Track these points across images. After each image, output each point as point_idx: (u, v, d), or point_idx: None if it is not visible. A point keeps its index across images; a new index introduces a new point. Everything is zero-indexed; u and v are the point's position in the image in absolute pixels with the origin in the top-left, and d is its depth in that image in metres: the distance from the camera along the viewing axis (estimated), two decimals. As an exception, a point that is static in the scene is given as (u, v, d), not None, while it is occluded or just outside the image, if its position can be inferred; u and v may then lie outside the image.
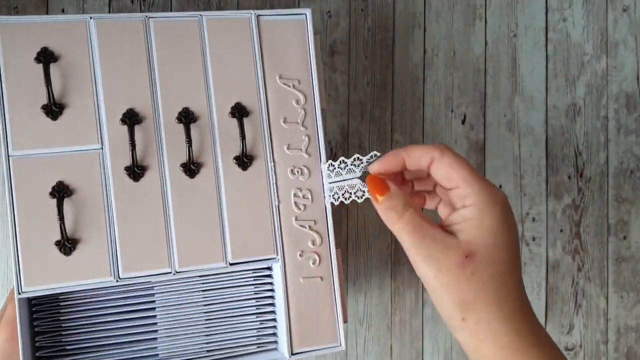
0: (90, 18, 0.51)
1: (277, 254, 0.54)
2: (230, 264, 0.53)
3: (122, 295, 0.53)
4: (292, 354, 0.54)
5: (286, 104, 0.56)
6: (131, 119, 0.51)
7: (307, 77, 0.57)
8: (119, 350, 0.53)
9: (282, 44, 0.56)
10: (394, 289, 0.79)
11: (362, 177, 0.53)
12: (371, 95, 0.78)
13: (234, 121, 0.54)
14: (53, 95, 0.50)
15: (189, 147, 0.52)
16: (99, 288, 0.52)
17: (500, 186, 0.82)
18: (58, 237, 0.49)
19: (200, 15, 0.54)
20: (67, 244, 0.49)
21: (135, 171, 0.51)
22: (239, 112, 0.54)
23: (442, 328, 0.80)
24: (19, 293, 0.48)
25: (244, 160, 0.53)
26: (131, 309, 0.53)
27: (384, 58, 0.79)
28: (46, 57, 0.50)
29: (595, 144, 0.83)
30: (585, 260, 0.82)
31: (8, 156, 0.49)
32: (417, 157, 0.47)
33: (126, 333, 0.53)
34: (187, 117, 0.53)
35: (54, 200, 0.49)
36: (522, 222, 0.82)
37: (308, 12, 0.57)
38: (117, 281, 0.50)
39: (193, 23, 0.54)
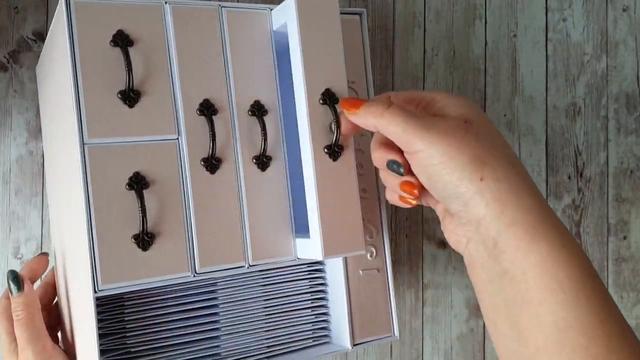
0: (165, 3, 0.49)
1: None
2: (298, 258, 0.52)
3: (185, 292, 0.51)
4: (354, 345, 0.55)
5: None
6: (209, 109, 0.49)
7: (361, 78, 0.58)
8: (183, 350, 0.51)
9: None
10: (394, 289, 0.79)
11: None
12: (371, 95, 0.78)
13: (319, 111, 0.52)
14: (133, 81, 0.46)
15: (264, 140, 0.50)
16: (167, 286, 0.50)
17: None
18: (136, 231, 0.46)
19: (270, 8, 0.53)
20: (146, 238, 0.46)
21: (213, 163, 0.49)
22: (329, 98, 0.51)
23: (442, 328, 0.80)
24: (96, 292, 0.44)
25: (335, 150, 0.51)
26: (194, 306, 0.51)
27: (384, 58, 0.79)
28: (123, 40, 0.46)
29: (595, 144, 0.83)
30: (585, 260, 0.82)
31: (83, 144, 0.45)
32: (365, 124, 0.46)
33: (189, 332, 0.51)
34: (259, 110, 0.51)
35: (131, 192, 0.46)
36: (522, 222, 0.82)
37: (363, 14, 0.58)
38: (194, 276, 0.48)
39: (263, 16, 0.53)
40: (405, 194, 0.46)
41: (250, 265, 0.50)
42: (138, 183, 0.46)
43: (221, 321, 0.53)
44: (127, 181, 0.46)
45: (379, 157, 0.46)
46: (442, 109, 0.44)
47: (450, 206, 0.42)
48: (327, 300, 0.58)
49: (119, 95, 0.46)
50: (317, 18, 0.50)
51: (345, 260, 0.55)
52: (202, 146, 0.49)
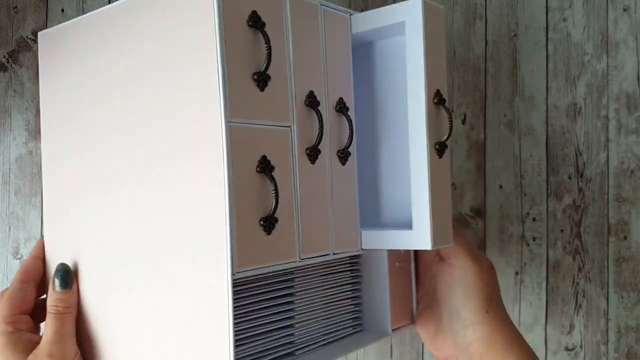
0: None
1: None
2: (362, 249, 0.57)
3: (263, 282, 0.50)
4: (393, 330, 0.61)
5: None
6: (314, 101, 0.51)
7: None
8: (261, 341, 0.50)
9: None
10: (394, 289, 0.79)
11: None
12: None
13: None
14: (269, 64, 0.46)
15: (350, 136, 0.54)
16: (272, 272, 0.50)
17: (501, 186, 0.82)
18: (263, 214, 0.46)
19: (349, 13, 0.57)
20: (272, 223, 0.46)
21: (314, 153, 0.51)
22: (440, 99, 0.56)
23: (442, 328, 0.80)
24: (233, 274, 0.43)
25: (442, 148, 0.55)
26: (271, 296, 0.51)
27: (384, 58, 0.79)
28: (258, 22, 0.46)
29: (595, 144, 0.83)
30: (586, 260, 0.82)
31: (227, 122, 0.44)
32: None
33: (266, 322, 0.51)
34: (344, 107, 0.54)
35: (260, 175, 0.46)
36: (523, 222, 0.82)
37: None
38: (299, 261, 0.49)
39: (345, 19, 0.57)
40: None
41: (333, 254, 0.53)
42: (267, 166, 0.46)
43: (296, 309, 0.53)
44: (257, 164, 0.46)
45: None
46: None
47: (451, 321, 0.58)
48: (361, 291, 0.61)
49: (255, 77, 0.46)
50: (432, 23, 0.54)
51: (387, 253, 0.60)
52: (306, 136, 0.51)
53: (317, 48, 0.53)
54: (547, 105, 0.83)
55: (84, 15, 0.55)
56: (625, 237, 0.82)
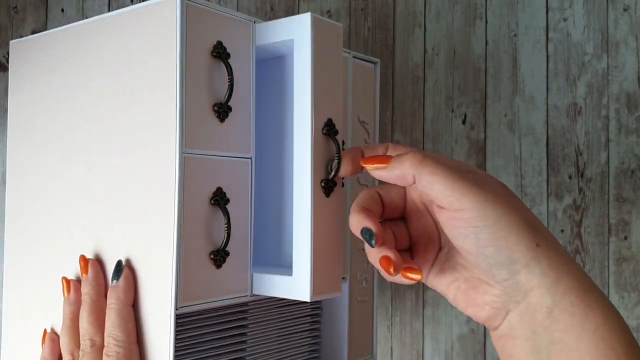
0: (254, 22, 0.49)
1: (347, 274, 0.56)
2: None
3: (217, 313, 0.49)
4: None
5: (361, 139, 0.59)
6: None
7: (372, 120, 0.61)
8: None
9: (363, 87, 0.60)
10: (394, 289, 0.79)
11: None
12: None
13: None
14: (231, 95, 0.45)
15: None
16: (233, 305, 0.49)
17: (501, 186, 0.82)
18: (213, 247, 0.45)
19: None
20: (222, 256, 0.45)
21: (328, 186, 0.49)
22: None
23: (442, 329, 0.80)
24: (177, 309, 0.42)
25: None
26: (226, 327, 0.50)
27: (384, 58, 0.79)
28: (223, 53, 0.46)
29: (596, 143, 0.82)
30: (586, 260, 0.82)
31: (182, 154, 0.43)
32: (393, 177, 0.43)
33: (220, 352, 0.49)
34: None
35: (213, 207, 0.45)
36: (523, 222, 0.82)
37: (378, 64, 0.61)
38: (251, 296, 0.48)
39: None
40: (381, 269, 0.42)
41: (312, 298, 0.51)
42: (222, 198, 0.45)
43: (248, 342, 0.52)
44: (210, 195, 0.45)
45: (356, 222, 0.43)
46: (475, 171, 0.42)
47: (497, 274, 0.39)
48: (320, 323, 0.58)
49: (215, 108, 0.45)
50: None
51: (350, 286, 0.57)
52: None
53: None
54: (547, 105, 0.82)
55: (54, 30, 0.54)
56: (625, 237, 0.82)
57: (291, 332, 0.56)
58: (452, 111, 0.81)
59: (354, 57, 0.58)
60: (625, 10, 0.83)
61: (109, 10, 0.71)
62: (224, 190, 0.46)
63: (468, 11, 0.82)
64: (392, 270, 0.41)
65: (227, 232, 0.45)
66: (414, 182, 0.41)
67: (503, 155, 0.82)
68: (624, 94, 0.82)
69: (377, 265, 0.43)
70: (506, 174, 0.82)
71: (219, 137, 0.46)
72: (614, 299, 0.81)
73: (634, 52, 0.82)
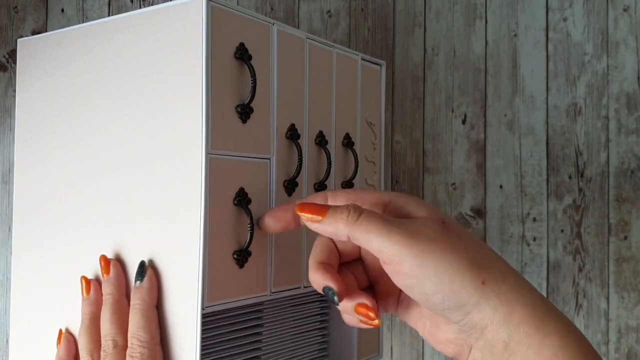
0: (273, 24, 0.49)
1: None
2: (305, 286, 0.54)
3: (231, 314, 0.49)
4: None
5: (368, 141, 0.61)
6: (294, 133, 0.50)
7: (377, 121, 0.63)
8: None
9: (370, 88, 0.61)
10: (394, 289, 0.79)
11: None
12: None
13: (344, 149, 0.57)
14: (253, 96, 0.46)
15: (328, 168, 0.51)
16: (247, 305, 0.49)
17: (501, 186, 0.82)
18: (237, 247, 0.45)
19: (334, 47, 0.56)
20: (246, 256, 0.45)
21: (292, 186, 0.50)
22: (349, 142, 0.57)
23: (442, 328, 0.80)
24: (203, 308, 0.42)
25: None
26: (239, 327, 0.49)
27: (384, 58, 0.79)
28: (245, 54, 0.46)
29: (596, 144, 0.83)
30: (586, 260, 0.82)
31: (207, 154, 0.43)
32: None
33: (234, 353, 0.49)
34: (322, 140, 0.53)
35: (236, 208, 0.45)
36: (523, 222, 0.82)
37: (383, 66, 0.63)
38: (270, 295, 0.48)
39: (327, 52, 0.55)
40: (362, 318, 0.42)
41: (304, 287, 0.52)
42: (244, 198, 0.46)
43: (264, 340, 0.52)
44: (234, 196, 0.45)
45: (316, 281, 0.42)
46: (412, 211, 0.42)
47: (451, 317, 0.39)
48: (329, 322, 0.59)
49: (238, 109, 0.46)
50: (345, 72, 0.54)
51: None
52: (285, 168, 0.50)
53: (301, 81, 0.52)
54: (547, 105, 0.82)
55: (68, 28, 0.54)
56: (625, 237, 0.82)
57: (302, 330, 0.56)
58: (452, 111, 0.81)
59: (362, 59, 0.59)
60: (625, 10, 0.83)
61: (109, 11, 0.71)
62: (246, 190, 0.46)
63: (468, 11, 0.82)
64: (372, 314, 0.41)
65: (250, 232, 0.45)
66: (349, 240, 0.41)
67: (503, 155, 0.82)
68: (624, 94, 0.82)
69: (352, 314, 0.42)
70: (506, 174, 0.82)
71: (242, 138, 0.46)
72: (614, 299, 0.81)
73: (634, 52, 0.82)
